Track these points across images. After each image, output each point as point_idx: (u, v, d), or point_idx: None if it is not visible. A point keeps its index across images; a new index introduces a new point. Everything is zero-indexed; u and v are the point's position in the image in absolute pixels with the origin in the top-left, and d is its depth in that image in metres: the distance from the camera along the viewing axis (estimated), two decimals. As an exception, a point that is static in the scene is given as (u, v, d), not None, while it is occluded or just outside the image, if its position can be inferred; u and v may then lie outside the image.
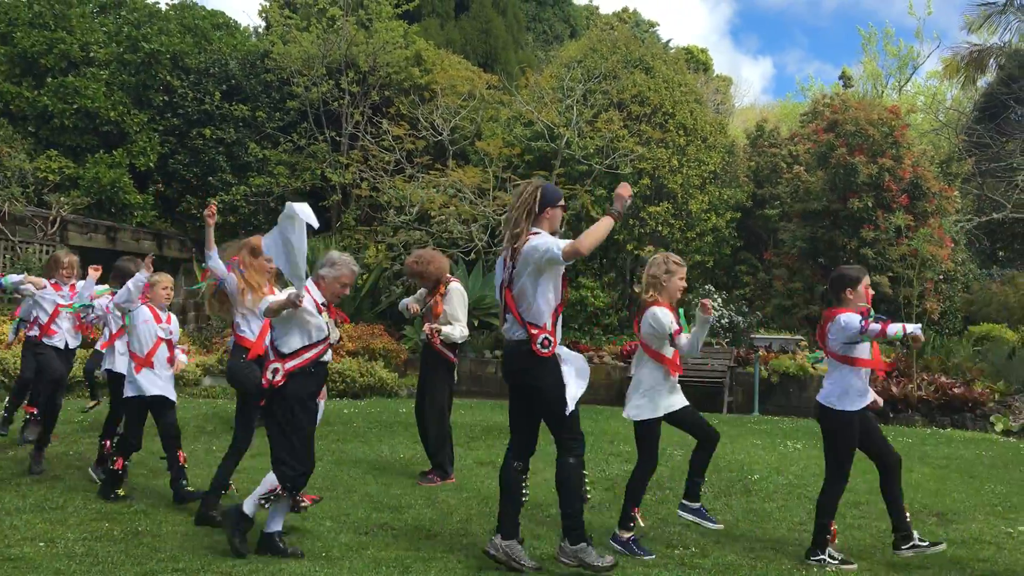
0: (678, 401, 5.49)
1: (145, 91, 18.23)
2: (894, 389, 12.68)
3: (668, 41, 32.04)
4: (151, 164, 17.86)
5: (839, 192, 15.45)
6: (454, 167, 16.75)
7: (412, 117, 17.47)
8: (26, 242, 15.37)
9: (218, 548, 5.05)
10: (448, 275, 7.46)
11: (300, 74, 18.14)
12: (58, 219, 16.04)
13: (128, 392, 6.29)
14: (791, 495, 7.20)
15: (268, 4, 22.17)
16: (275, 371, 4.99)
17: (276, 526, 5.04)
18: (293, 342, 5.04)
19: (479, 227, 16.07)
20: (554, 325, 4.96)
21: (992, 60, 27.41)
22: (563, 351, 5.04)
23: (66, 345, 7.46)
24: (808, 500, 7.02)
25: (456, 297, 7.34)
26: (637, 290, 17.68)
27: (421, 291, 7.60)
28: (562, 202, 5.00)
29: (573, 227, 16.75)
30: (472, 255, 16.17)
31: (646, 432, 5.49)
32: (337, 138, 18.41)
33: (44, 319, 7.32)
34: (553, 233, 4.93)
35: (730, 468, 8.10)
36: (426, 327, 7.26)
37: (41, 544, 4.96)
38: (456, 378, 7.60)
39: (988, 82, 25.89)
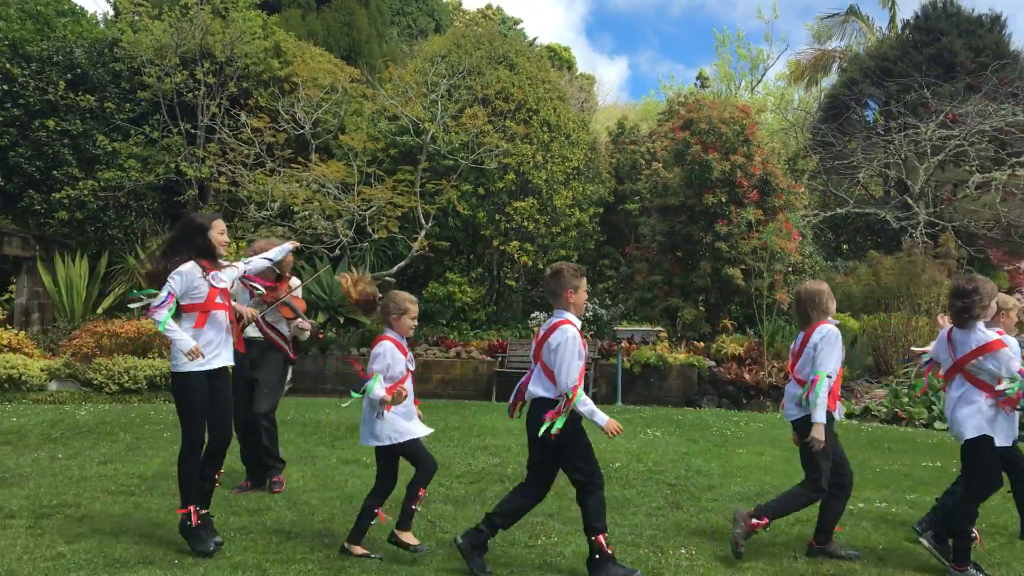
0: None
1: (-20, 79, 17.05)
2: (747, 376, 13.26)
3: (534, 39, 32.45)
4: (-12, 157, 16.73)
5: (695, 188, 15.99)
6: (317, 161, 16.40)
7: (272, 110, 17.01)
8: None
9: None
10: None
11: (152, 63, 17.36)
12: None
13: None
14: (649, 481, 7.42)
15: (117, -11, 21.12)
16: None
17: None
18: None
19: (344, 223, 15.82)
20: None
21: (835, 63, 29.13)
22: None
23: None
24: (665, 486, 7.26)
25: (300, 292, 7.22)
26: (512, 284, 17.84)
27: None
28: None
29: (440, 223, 16.75)
30: (337, 251, 15.91)
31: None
32: (192, 131, 17.72)
33: None
34: None
35: (592, 457, 8.27)
36: (304, 324, 7.00)
37: None
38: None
39: (832, 84, 27.47)
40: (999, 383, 5.16)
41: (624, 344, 14.38)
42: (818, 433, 5.26)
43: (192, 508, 5.13)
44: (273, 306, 6.85)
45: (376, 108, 17.50)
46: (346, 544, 5.17)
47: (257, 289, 6.37)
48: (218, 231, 5.40)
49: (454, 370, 14.53)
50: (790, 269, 16.70)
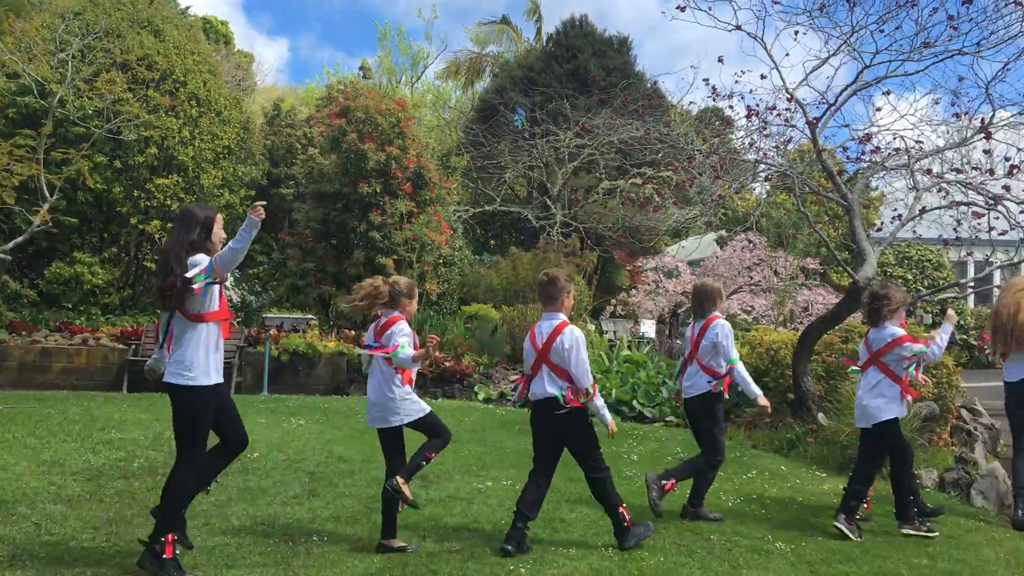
0: None
1: None
2: (395, 364, 13.49)
3: (187, 8, 30.49)
4: None
5: (351, 176, 15.98)
6: (-89, 117, 14.09)
7: None
8: None
9: None
10: None
11: None
12: None
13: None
14: (288, 470, 7.26)
15: None
16: None
17: None
18: None
19: (-55, 190, 13.72)
20: None
21: (488, 68, 30.70)
22: None
23: None
24: (305, 474, 7.15)
25: None
26: (151, 265, 16.55)
27: None
28: None
29: (68, 196, 15.14)
30: (-64, 222, 13.78)
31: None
32: None
33: None
34: None
35: (230, 448, 7.92)
36: None
37: None
38: None
39: (484, 87, 28.92)
40: (905, 371, 6.29)
41: (273, 332, 13.98)
42: (763, 402, 6.49)
43: (170, 537, 4.49)
44: None
45: (-8, 62, 15.41)
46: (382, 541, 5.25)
47: None
48: (219, 226, 4.80)
49: (79, 359, 13.20)
50: (440, 260, 17.29)
